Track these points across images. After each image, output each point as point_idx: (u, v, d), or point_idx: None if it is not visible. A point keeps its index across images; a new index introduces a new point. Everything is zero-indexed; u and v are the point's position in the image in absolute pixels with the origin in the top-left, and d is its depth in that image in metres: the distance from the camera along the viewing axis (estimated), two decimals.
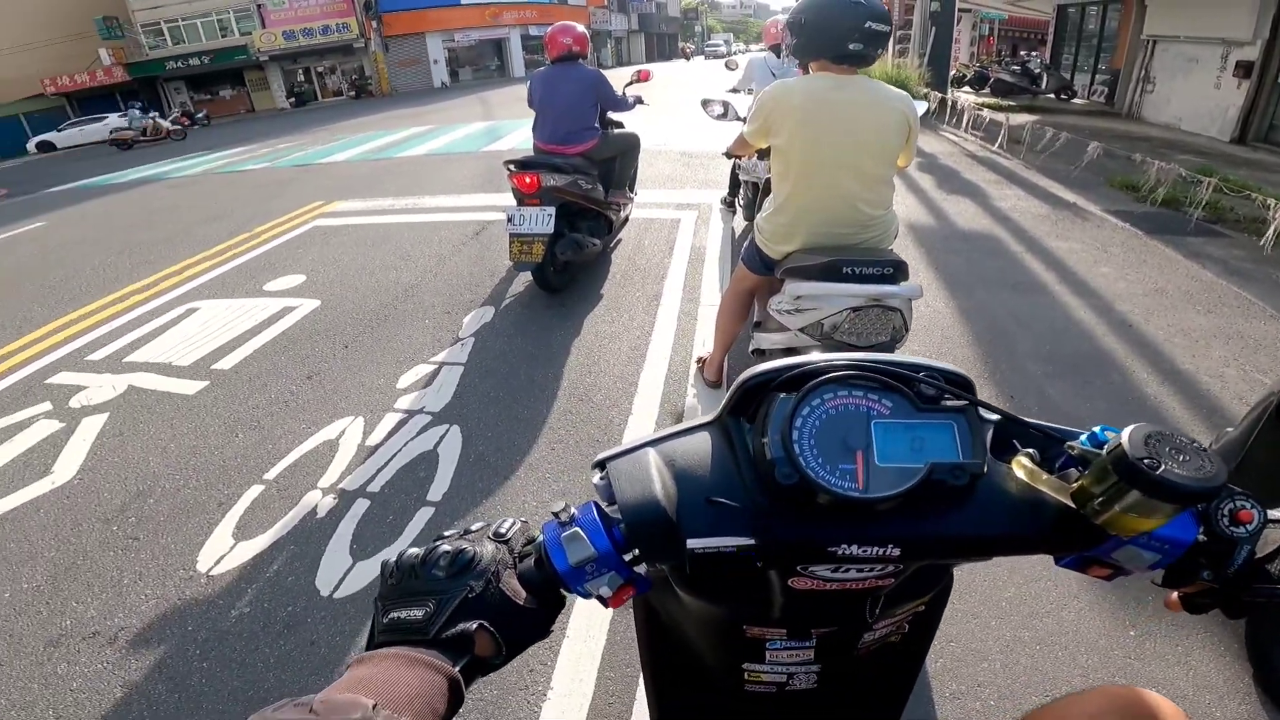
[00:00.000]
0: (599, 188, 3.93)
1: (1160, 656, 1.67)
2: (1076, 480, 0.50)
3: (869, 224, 2.08)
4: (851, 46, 1.92)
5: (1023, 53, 18.64)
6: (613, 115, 4.24)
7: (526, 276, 4.12)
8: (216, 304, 4.43)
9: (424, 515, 2.28)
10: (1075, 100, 14.47)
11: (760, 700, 0.75)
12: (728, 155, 2.99)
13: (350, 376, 3.28)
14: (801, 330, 2.09)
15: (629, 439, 0.60)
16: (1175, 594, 0.59)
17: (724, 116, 3.30)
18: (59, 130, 24.72)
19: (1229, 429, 1.83)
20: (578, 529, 0.54)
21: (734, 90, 4.61)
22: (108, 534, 2.34)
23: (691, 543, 0.52)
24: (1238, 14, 8.86)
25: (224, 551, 2.20)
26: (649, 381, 3.04)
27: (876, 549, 0.52)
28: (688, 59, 41.62)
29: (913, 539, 0.52)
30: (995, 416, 0.57)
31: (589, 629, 1.82)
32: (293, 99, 30.62)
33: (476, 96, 21.14)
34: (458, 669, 0.47)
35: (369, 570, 2.07)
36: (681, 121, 10.17)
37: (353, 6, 29.02)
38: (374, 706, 0.40)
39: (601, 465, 0.57)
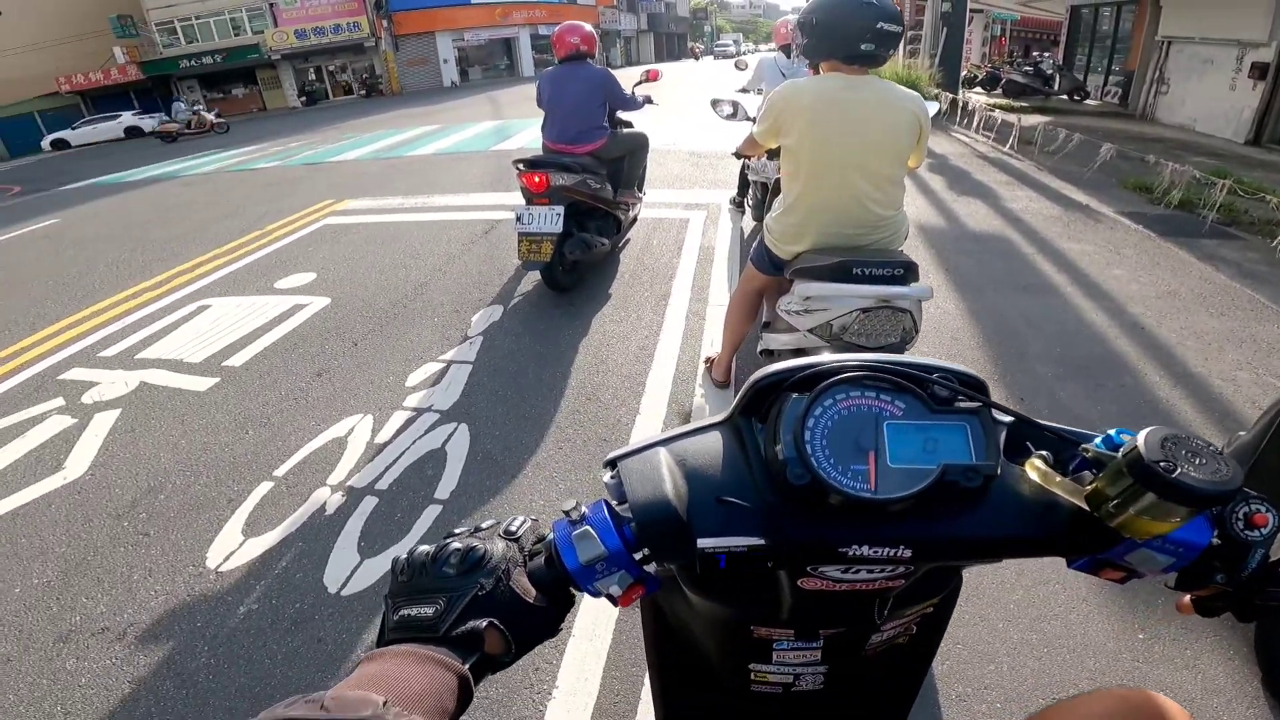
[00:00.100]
0: (608, 187, 3.93)
1: (1168, 660, 1.66)
2: (1091, 483, 0.49)
3: (879, 225, 2.07)
4: (863, 47, 1.91)
5: (1035, 54, 18.49)
6: (622, 115, 4.24)
7: (535, 275, 4.12)
8: (228, 301, 4.47)
9: (432, 513, 2.29)
10: (1088, 101, 14.37)
11: (766, 701, 0.74)
12: (737, 155, 2.99)
13: (359, 374, 3.30)
14: (810, 331, 2.08)
15: (637, 438, 0.60)
16: (1187, 597, 0.58)
17: (733, 116, 3.30)
18: (74, 128, 24.95)
19: (1241, 433, 1.81)
20: (588, 527, 0.54)
21: (743, 90, 4.61)
22: (118, 530, 2.36)
23: (702, 542, 0.52)
24: (1253, 15, 8.78)
25: (233, 548, 2.22)
26: (657, 381, 3.04)
27: (888, 550, 0.52)
28: (697, 59, 41.51)
29: (925, 540, 0.52)
30: (1008, 418, 0.57)
31: (595, 628, 1.82)
32: (304, 98, 30.80)
33: (486, 96, 21.19)
34: (467, 667, 0.47)
35: (377, 567, 2.08)
36: (690, 121, 10.16)
37: (364, 6, 29.19)
38: (385, 703, 0.40)
39: (613, 464, 0.57)
